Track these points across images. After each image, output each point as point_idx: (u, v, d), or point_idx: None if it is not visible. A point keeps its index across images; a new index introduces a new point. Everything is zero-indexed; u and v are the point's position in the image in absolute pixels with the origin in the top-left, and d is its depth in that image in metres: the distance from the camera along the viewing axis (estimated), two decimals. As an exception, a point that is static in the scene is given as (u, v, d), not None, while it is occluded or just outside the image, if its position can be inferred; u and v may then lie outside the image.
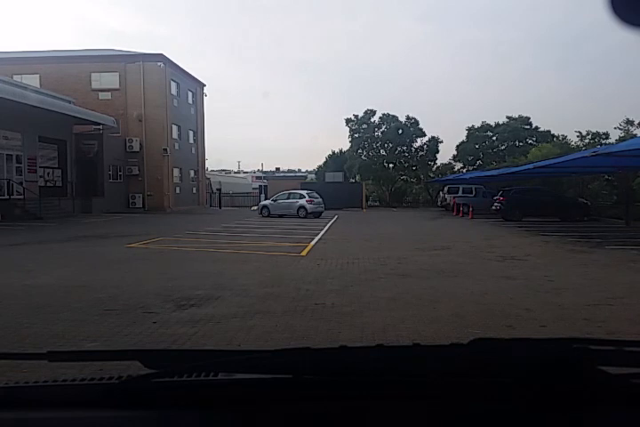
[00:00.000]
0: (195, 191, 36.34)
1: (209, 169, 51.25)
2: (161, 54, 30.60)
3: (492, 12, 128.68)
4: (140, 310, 5.44)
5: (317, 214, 23.93)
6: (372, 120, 40.10)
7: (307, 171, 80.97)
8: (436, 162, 41.20)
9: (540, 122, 50.69)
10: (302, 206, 23.59)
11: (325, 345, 1.05)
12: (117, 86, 30.04)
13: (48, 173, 25.54)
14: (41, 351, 1.10)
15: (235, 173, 77.33)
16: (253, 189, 49.34)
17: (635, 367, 0.90)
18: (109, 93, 30.01)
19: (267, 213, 24.30)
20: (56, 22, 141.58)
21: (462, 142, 41.89)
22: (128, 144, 29.74)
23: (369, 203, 39.30)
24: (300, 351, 0.97)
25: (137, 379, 0.94)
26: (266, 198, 29.60)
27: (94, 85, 29.94)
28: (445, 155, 54.42)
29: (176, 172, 32.86)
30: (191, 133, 36.11)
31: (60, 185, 25.84)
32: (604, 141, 32.35)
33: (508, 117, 41.27)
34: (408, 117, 39.64)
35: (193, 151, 36.33)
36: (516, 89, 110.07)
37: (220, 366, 0.97)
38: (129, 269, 8.63)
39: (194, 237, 13.61)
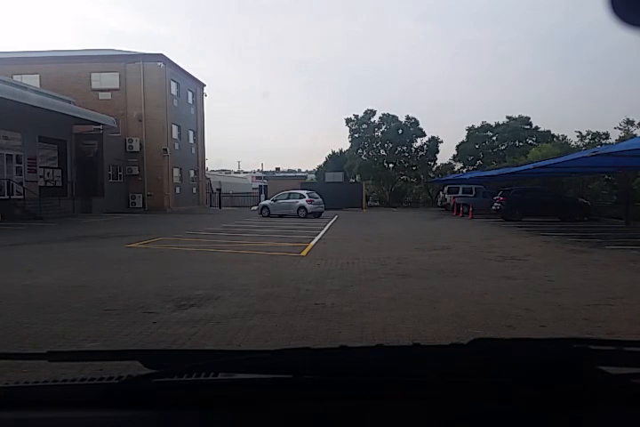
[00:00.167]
0: (195, 191, 36.34)
1: (209, 169, 51.28)
2: (161, 54, 30.61)
3: (492, 12, 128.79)
4: (140, 310, 5.44)
5: (317, 214, 23.93)
6: (372, 120, 40.11)
7: (307, 171, 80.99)
8: (436, 162, 41.26)
9: (540, 122, 50.76)
10: (302, 206, 23.59)
11: (325, 345, 1.05)
12: (117, 86, 30.04)
13: (48, 173, 25.55)
14: (41, 351, 1.10)
15: (235, 173, 77.34)
16: (253, 189, 49.35)
17: (635, 367, 0.90)
18: (109, 93, 30.01)
19: (267, 213, 24.31)
20: (56, 22, 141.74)
21: (462, 142, 41.91)
22: (128, 144, 29.74)
23: (369, 203, 39.30)
24: (300, 351, 0.97)
25: (137, 379, 0.94)
26: (266, 198, 29.60)
27: (94, 85, 29.94)
28: (445, 155, 54.52)
29: (176, 172, 32.87)
30: (191, 133, 36.12)
31: (60, 185, 25.84)
32: (604, 141, 32.36)
33: (508, 117, 41.33)
34: (408, 117, 39.68)
35: (193, 151, 36.33)
36: (515, 89, 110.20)
37: (219, 366, 0.97)
38: (129, 269, 8.63)
39: (194, 237, 13.62)
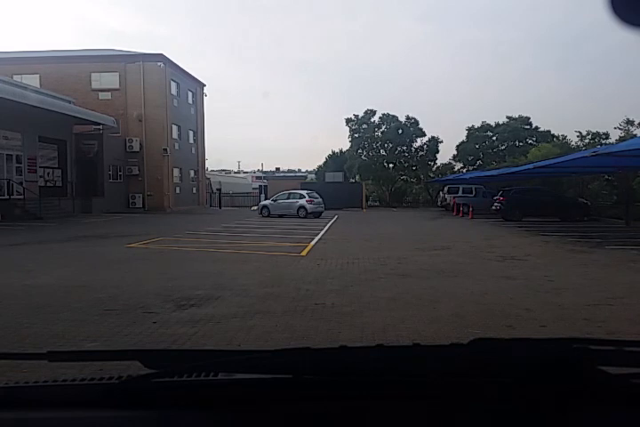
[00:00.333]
0: (195, 191, 36.35)
1: (209, 169, 51.28)
2: (161, 54, 30.61)
3: (492, 12, 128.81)
4: (140, 310, 5.44)
5: (317, 214, 23.93)
6: (372, 120, 40.11)
7: (307, 171, 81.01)
8: (436, 162, 41.26)
9: (540, 122, 50.70)
10: (302, 206, 23.59)
11: (325, 345, 1.05)
12: (117, 86, 30.04)
13: (48, 173, 25.55)
14: (41, 351, 1.10)
15: (235, 173, 77.33)
16: (253, 189, 49.35)
17: (635, 367, 0.90)
18: (109, 93, 30.01)
19: (267, 213, 24.31)
20: (56, 22, 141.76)
21: (462, 142, 41.92)
22: (128, 144, 29.74)
23: (369, 203, 39.30)
24: (300, 351, 0.97)
25: (137, 379, 0.94)
26: (266, 198, 29.60)
27: (94, 85, 29.94)
28: (445, 155, 54.49)
29: (176, 172, 32.87)
30: (191, 133, 36.12)
31: (60, 185, 25.85)
32: (604, 141, 32.36)
33: (508, 117, 41.35)
34: (408, 117, 39.68)
35: (193, 151, 36.33)
36: (515, 89, 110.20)
37: (220, 366, 0.97)
38: (129, 269, 8.63)
39: (194, 237, 13.62)
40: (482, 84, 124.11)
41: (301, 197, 24.19)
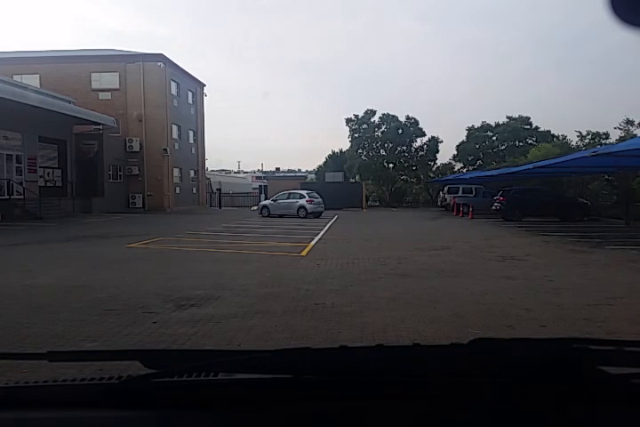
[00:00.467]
0: (195, 191, 36.34)
1: (209, 169, 51.28)
2: (161, 54, 30.61)
3: (492, 12, 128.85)
4: (140, 310, 5.44)
5: (317, 214, 23.93)
6: (372, 120, 40.10)
7: (307, 171, 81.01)
8: (436, 162, 41.26)
9: (540, 122, 50.66)
10: (302, 206, 23.59)
11: (325, 345, 1.05)
12: (117, 86, 30.04)
13: (48, 173, 25.55)
14: (41, 351, 1.10)
15: (235, 173, 77.34)
16: (253, 189, 49.35)
17: (635, 367, 0.90)
18: (109, 93, 30.01)
19: (267, 213, 24.31)
20: (56, 22, 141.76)
21: (462, 142, 41.90)
22: (128, 144, 29.74)
23: (369, 203, 39.31)
24: (300, 351, 0.97)
25: (137, 379, 0.94)
26: (266, 198, 29.60)
27: (94, 85, 29.94)
28: (445, 155, 54.47)
29: (176, 172, 32.86)
30: (191, 133, 36.11)
31: (60, 185, 25.84)
32: (604, 141, 32.34)
33: (508, 117, 41.33)
34: (408, 117, 39.67)
35: (193, 151, 36.33)
36: (516, 89, 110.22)
37: (220, 366, 0.97)
38: (129, 269, 8.63)
39: (194, 237, 13.62)
40: (482, 84, 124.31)
41: (301, 197, 24.19)
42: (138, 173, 30.15)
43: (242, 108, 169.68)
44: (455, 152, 42.42)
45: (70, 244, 12.48)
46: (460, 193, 28.44)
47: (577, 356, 0.90)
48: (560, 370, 0.87)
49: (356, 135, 40.09)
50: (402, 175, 41.01)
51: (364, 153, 40.29)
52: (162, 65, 30.29)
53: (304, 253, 10.56)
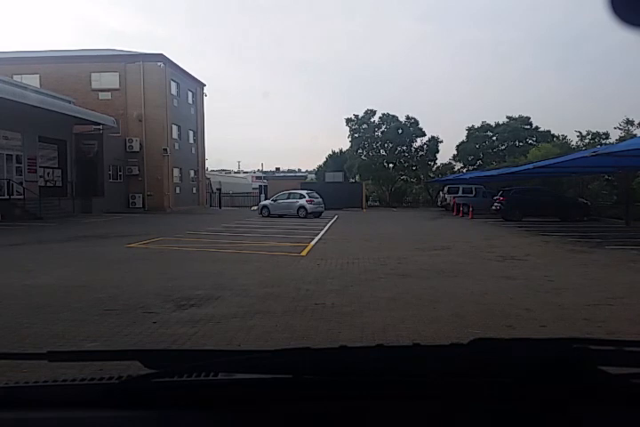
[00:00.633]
0: (195, 191, 36.34)
1: (209, 169, 51.27)
2: (161, 54, 30.61)
3: (492, 12, 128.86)
4: (140, 310, 5.44)
5: (317, 214, 23.93)
6: (372, 120, 40.11)
7: (307, 171, 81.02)
8: (436, 162, 41.28)
9: (540, 122, 50.61)
10: (302, 206, 23.59)
11: (325, 345, 1.05)
12: (117, 86, 30.04)
13: (48, 173, 25.55)
14: (41, 351, 1.10)
15: (235, 173, 77.32)
16: (253, 189, 49.35)
17: (635, 367, 0.90)
18: (109, 93, 30.01)
19: (267, 213, 24.31)
20: (56, 22, 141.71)
21: (462, 142, 41.91)
22: (128, 144, 29.74)
23: (369, 203, 39.31)
24: (300, 351, 0.97)
25: (137, 379, 0.94)
26: (266, 198, 29.60)
27: (94, 85, 29.94)
28: (445, 155, 54.49)
29: (176, 172, 32.86)
30: (191, 133, 36.11)
31: (60, 185, 25.84)
32: (604, 141, 32.33)
33: (508, 117, 41.33)
34: (408, 117, 39.69)
35: (193, 151, 36.33)
36: (516, 89, 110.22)
37: (220, 366, 0.97)
38: (129, 269, 8.63)
39: (194, 237, 13.62)
40: (482, 84, 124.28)
41: (301, 197, 24.19)
42: (138, 173, 30.15)
43: (242, 108, 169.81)
44: (455, 152, 42.50)
45: (70, 244, 12.47)
46: (460, 193, 28.45)
47: (577, 356, 0.90)
48: (560, 370, 0.87)
49: (356, 135, 40.10)
50: (402, 175, 41.02)
51: (364, 153, 40.30)
52: (162, 65, 30.29)
53: (304, 253, 10.56)
